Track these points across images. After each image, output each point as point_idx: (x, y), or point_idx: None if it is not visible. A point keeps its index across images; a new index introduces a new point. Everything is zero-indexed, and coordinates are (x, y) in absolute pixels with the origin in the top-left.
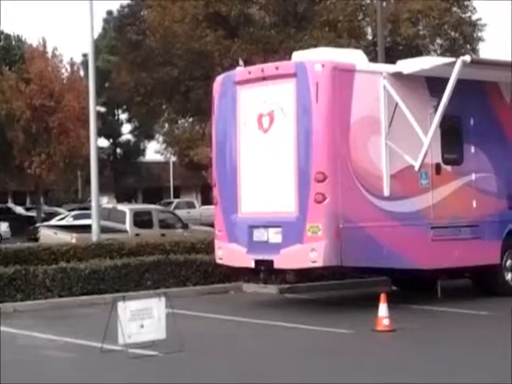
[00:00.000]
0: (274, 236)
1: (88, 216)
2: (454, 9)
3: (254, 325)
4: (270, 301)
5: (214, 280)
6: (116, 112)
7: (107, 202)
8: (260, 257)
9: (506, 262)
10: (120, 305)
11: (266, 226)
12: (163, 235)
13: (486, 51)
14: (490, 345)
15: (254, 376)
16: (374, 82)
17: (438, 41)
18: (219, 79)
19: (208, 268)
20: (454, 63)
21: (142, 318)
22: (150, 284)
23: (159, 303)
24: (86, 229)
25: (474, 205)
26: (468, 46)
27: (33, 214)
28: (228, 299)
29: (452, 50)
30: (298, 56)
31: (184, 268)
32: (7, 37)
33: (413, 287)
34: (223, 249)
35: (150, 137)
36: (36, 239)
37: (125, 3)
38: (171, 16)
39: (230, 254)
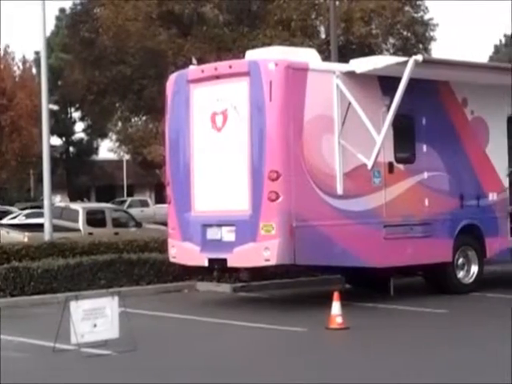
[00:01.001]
0: (227, 234)
1: (40, 215)
2: (407, 8)
3: (208, 323)
4: (223, 299)
5: (168, 279)
6: (69, 110)
7: (60, 200)
8: (213, 255)
9: (458, 259)
10: (72, 304)
11: (220, 225)
12: (116, 234)
13: (437, 51)
14: (442, 343)
15: (206, 375)
16: (327, 81)
17: (391, 40)
18: (172, 78)
19: (161, 267)
20: (406, 62)
21: (95, 318)
22: (103, 283)
23: (112, 302)
24: (39, 228)
25: (427, 203)
26: (420, 46)
27: None
28: (181, 298)
29: (404, 49)
30: (252, 55)
31: (137, 267)
32: None
33: (366, 285)
34: (177, 247)
35: (104, 135)
36: None
37: (78, 1)
38: (124, 14)
39: (184, 252)
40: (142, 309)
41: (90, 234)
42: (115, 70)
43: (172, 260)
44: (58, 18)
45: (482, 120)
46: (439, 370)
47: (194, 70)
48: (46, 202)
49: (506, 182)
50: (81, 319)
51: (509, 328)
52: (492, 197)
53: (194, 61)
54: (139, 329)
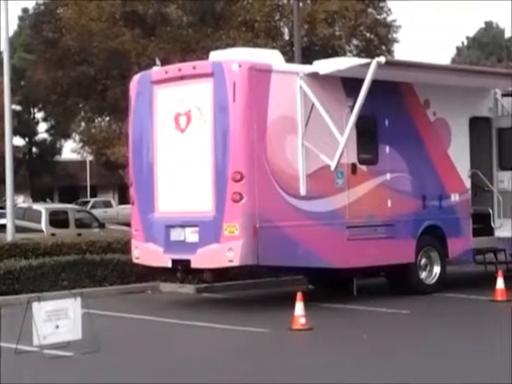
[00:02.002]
0: (190, 235)
1: (3, 215)
2: (370, 10)
3: (171, 324)
4: (187, 300)
5: (131, 280)
6: (32, 110)
7: (23, 201)
8: (177, 256)
9: (420, 260)
10: (35, 305)
11: (183, 226)
12: (79, 235)
13: (400, 52)
14: (403, 343)
15: (169, 376)
16: (290, 82)
17: (354, 41)
18: (136, 78)
19: (125, 268)
20: (369, 64)
21: (58, 319)
22: (66, 284)
23: (75, 303)
24: (1, 228)
25: (389, 204)
26: (383, 47)
27: None
28: (145, 299)
29: (367, 50)
30: (216, 56)
31: (100, 268)
32: None
33: (329, 286)
34: (140, 248)
35: (67, 136)
36: None
37: (41, 1)
38: (88, 14)
39: (147, 253)
40: (105, 310)
41: (53, 234)
42: (78, 71)
43: (135, 261)
44: (20, 18)
45: (444, 121)
46: (400, 370)
47: (157, 70)
48: (8, 203)
49: (467, 183)
50: (43, 320)
51: (469, 327)
52: (454, 198)
53: (158, 61)
54: (102, 330)
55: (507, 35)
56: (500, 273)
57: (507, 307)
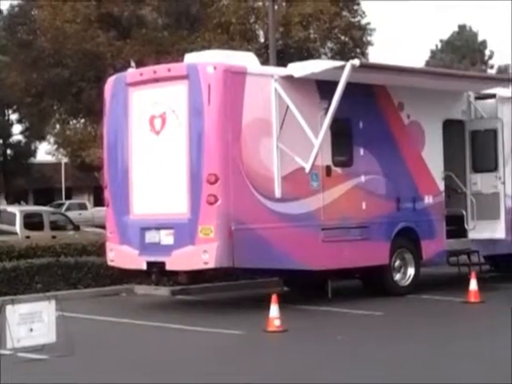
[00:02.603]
0: (165, 238)
1: None
2: (344, 13)
3: (146, 327)
4: (162, 303)
5: (106, 282)
6: (6, 112)
7: None
8: (152, 258)
9: (394, 262)
10: (8, 308)
11: (158, 228)
12: (54, 237)
13: (375, 55)
14: (377, 344)
15: (143, 378)
16: (265, 84)
17: (329, 44)
18: (111, 80)
19: (99, 270)
20: (343, 67)
21: (32, 322)
22: (40, 287)
23: (49, 306)
24: None
25: (364, 206)
26: (358, 50)
27: None
28: (120, 301)
29: (342, 53)
30: (191, 58)
31: (75, 270)
32: None
33: (304, 288)
34: (115, 251)
35: (41, 138)
36: None
37: (15, 2)
38: (62, 16)
39: (122, 255)
40: (80, 313)
41: (27, 237)
42: (53, 73)
43: (110, 263)
44: None
45: (418, 124)
46: (374, 371)
47: (132, 72)
48: None
49: (441, 186)
50: (17, 324)
51: (442, 328)
52: (428, 200)
53: (133, 64)
54: (77, 333)
55: (480, 38)
56: (473, 274)
57: (480, 308)
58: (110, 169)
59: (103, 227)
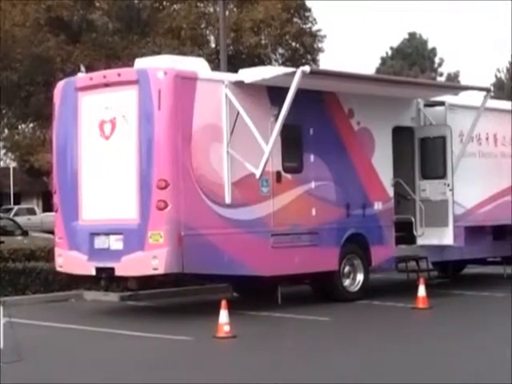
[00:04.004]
0: (115, 243)
1: None
2: (295, 19)
3: (94, 333)
4: (111, 308)
5: (55, 288)
6: None
7: None
8: (101, 264)
9: (344, 268)
10: None
11: (108, 234)
12: (2, 242)
13: (326, 62)
14: (327, 349)
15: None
16: (215, 90)
17: (280, 50)
18: (60, 85)
19: (48, 276)
20: (294, 73)
21: None
22: None
23: None
24: None
25: (314, 212)
26: (308, 57)
27: None
28: (68, 307)
29: (293, 59)
30: (141, 63)
31: (23, 276)
32: None
33: (254, 294)
34: (64, 256)
35: None
36: None
37: None
38: (11, 19)
39: (71, 261)
40: (28, 319)
41: None
42: (2, 76)
43: (59, 269)
44: None
45: (368, 131)
46: (322, 376)
47: (82, 77)
48: None
49: (390, 192)
50: None
51: (390, 333)
52: (377, 206)
53: (83, 68)
54: (25, 339)
55: (430, 46)
56: (421, 280)
57: (428, 314)
58: (59, 174)
59: (52, 232)
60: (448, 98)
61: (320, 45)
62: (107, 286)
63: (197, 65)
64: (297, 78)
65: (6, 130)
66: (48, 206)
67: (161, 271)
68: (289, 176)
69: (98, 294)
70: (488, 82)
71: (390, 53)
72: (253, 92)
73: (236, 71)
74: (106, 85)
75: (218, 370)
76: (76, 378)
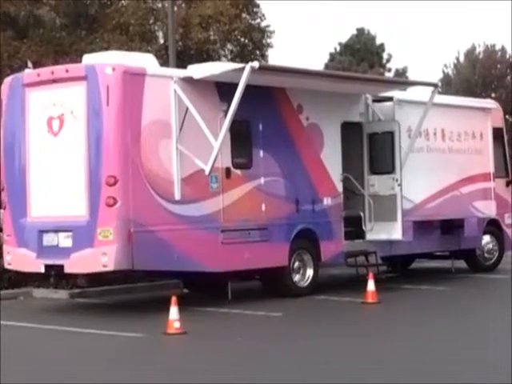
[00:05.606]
0: (64, 240)
1: None
2: (244, 15)
3: (43, 330)
4: (60, 306)
5: (2, 286)
6: None
7: None
8: (50, 261)
9: (293, 263)
10: None
11: (57, 231)
12: None
13: (275, 57)
14: (277, 344)
15: (36, 381)
16: (164, 86)
17: (229, 46)
18: (7, 81)
19: None
20: (242, 69)
21: None
22: None
23: None
24: None
25: (263, 208)
26: (258, 52)
27: None
28: (17, 305)
29: (242, 55)
30: (89, 59)
31: None
32: None
33: (204, 290)
34: (12, 254)
35: None
36: None
37: None
38: None
39: (19, 258)
40: None
41: None
42: None
43: (7, 266)
44: None
45: (317, 126)
46: (271, 371)
47: (29, 73)
48: None
49: (340, 187)
50: None
51: (339, 327)
52: (327, 201)
53: (30, 64)
54: None
55: (378, 42)
56: (371, 275)
57: (377, 309)
58: (7, 171)
59: (0, 230)
60: (396, 94)
61: (269, 40)
62: (56, 284)
63: (145, 61)
64: (246, 74)
65: None
66: None
67: (110, 268)
68: (238, 172)
69: (47, 292)
70: (436, 77)
71: (338, 48)
72: (202, 88)
73: (185, 67)
74: (54, 81)
75: (165, 366)
76: (26, 377)
